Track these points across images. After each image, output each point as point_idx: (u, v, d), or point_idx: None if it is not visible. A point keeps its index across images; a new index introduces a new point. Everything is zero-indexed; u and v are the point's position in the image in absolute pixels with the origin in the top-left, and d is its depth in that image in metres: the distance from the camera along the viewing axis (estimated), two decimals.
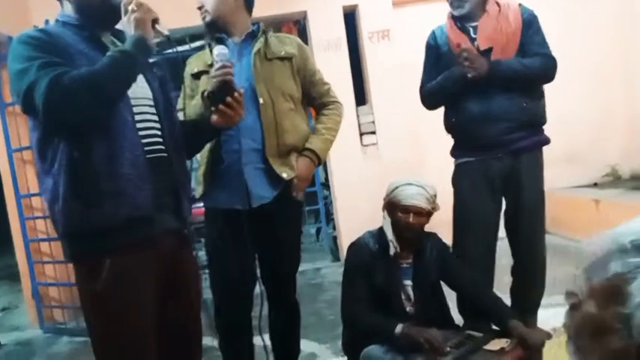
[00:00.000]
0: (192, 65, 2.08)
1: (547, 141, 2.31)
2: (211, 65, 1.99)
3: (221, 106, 1.62)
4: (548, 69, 2.20)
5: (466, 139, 2.30)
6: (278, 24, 4.58)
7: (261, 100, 1.97)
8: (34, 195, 3.79)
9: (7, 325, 4.29)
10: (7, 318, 4.52)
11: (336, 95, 2.22)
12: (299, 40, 2.16)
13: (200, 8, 2.03)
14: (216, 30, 2.06)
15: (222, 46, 1.82)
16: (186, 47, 4.89)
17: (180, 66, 2.14)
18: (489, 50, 2.18)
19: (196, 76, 2.07)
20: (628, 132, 4.72)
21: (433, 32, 2.36)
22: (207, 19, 2.02)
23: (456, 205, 2.33)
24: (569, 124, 4.34)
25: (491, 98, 2.17)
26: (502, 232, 2.32)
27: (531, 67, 2.17)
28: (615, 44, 4.68)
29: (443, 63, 2.27)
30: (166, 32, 1.48)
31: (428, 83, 2.34)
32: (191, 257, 1.71)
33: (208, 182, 2.03)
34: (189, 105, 2.07)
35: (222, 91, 1.64)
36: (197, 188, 2.10)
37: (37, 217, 3.87)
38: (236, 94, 1.63)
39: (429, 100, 2.37)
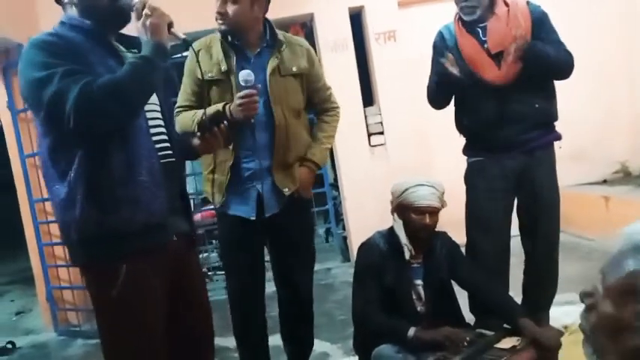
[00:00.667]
0: (204, 65, 2.02)
1: (559, 137, 2.29)
2: (225, 73, 2.02)
3: (207, 135, 1.62)
4: (570, 64, 2.19)
5: (479, 140, 2.29)
6: (285, 27, 4.59)
7: (277, 122, 2.03)
8: (47, 200, 3.81)
9: (22, 328, 4.32)
10: (21, 321, 4.56)
11: (337, 99, 2.27)
12: (308, 46, 2.18)
13: (220, 14, 2.00)
14: (232, 37, 2.06)
15: (248, 72, 1.87)
16: None
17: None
18: (500, 54, 2.15)
19: (210, 82, 2.06)
20: (632, 131, 4.71)
21: (440, 32, 2.33)
22: (224, 27, 2.02)
23: (468, 203, 2.31)
24: (575, 123, 4.31)
25: (504, 100, 2.14)
26: (512, 231, 2.31)
27: (561, 58, 2.15)
28: (620, 44, 4.67)
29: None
30: (182, 36, 1.46)
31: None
32: (197, 259, 1.75)
33: (226, 193, 2.09)
34: (182, 99, 2.10)
35: (213, 120, 1.66)
36: (211, 194, 2.14)
37: (51, 222, 3.88)
38: (222, 126, 1.62)
39: (432, 99, 2.36)
